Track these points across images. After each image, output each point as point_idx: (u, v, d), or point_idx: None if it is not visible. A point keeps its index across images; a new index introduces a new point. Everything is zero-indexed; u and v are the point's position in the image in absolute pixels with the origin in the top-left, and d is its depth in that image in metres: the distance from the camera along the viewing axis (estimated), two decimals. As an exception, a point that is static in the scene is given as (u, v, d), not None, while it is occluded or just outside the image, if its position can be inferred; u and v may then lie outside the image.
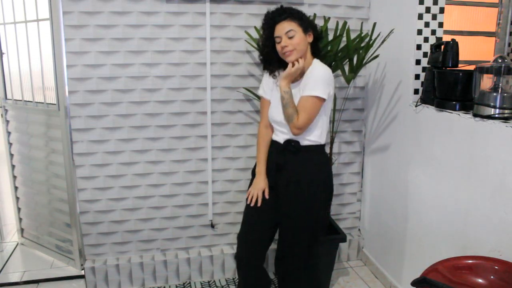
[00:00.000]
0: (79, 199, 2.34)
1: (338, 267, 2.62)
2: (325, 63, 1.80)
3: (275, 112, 1.80)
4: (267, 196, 1.83)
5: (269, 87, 1.85)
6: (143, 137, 2.33)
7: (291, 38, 1.66)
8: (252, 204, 1.83)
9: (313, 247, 1.85)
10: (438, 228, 1.90)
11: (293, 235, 1.83)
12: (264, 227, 1.87)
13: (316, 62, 1.75)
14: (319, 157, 1.81)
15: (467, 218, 1.72)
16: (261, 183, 1.84)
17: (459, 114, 1.74)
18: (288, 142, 1.77)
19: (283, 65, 1.77)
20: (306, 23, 1.70)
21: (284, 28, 1.67)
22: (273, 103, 1.83)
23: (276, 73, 1.82)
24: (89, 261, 2.41)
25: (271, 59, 1.77)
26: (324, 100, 1.67)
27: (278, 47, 1.70)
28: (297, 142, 1.76)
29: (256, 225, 1.86)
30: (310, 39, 1.73)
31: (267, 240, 1.90)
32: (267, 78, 1.86)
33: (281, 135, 1.80)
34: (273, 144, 1.85)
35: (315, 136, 1.76)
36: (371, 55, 2.09)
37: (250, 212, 1.86)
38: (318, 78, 1.67)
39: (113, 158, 2.32)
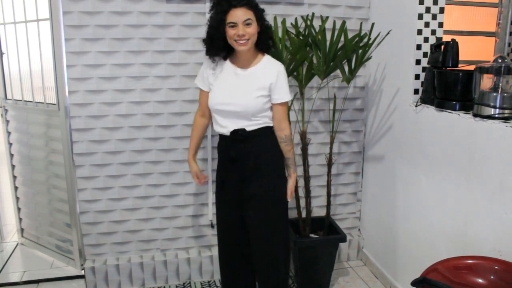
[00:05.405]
0: (79, 199, 2.34)
1: (338, 267, 2.62)
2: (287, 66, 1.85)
3: (219, 99, 1.74)
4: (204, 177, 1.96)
5: (208, 73, 1.79)
6: (143, 137, 2.33)
7: (248, 27, 1.63)
8: (199, 182, 1.96)
9: (287, 233, 1.88)
10: (438, 228, 1.90)
11: (266, 227, 1.81)
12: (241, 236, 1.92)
13: (272, 59, 1.77)
14: (270, 140, 1.79)
15: (467, 218, 1.72)
16: (193, 168, 1.95)
17: (459, 114, 1.74)
18: (235, 132, 1.73)
19: (228, 51, 1.73)
20: (260, 13, 1.68)
21: (243, 15, 1.62)
22: (216, 90, 1.77)
23: (216, 58, 1.76)
24: (89, 261, 2.41)
25: (221, 45, 1.69)
26: None
27: (231, 32, 1.64)
28: (244, 130, 1.73)
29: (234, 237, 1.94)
30: (259, 29, 1.69)
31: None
32: (206, 65, 1.80)
33: (229, 126, 1.75)
34: (220, 138, 1.84)
35: (264, 118, 1.75)
36: (368, 55, 2.09)
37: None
38: (284, 83, 1.73)
39: (113, 158, 2.32)
